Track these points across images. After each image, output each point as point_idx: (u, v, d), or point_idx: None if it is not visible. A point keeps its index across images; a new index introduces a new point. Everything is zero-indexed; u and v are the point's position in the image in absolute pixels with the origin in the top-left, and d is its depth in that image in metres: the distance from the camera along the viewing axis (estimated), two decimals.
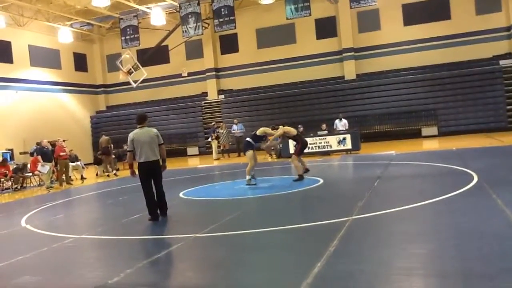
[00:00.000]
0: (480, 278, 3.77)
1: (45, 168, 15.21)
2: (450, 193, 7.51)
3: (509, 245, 4.58)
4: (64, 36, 26.73)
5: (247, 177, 11.04)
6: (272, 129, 11.71)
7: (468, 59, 23.91)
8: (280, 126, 11.82)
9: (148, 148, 7.53)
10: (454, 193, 7.51)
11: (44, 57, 27.31)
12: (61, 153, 15.98)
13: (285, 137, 11.91)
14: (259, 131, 11.47)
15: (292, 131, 11.53)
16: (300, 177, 11.06)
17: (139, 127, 7.74)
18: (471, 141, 18.00)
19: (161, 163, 7.81)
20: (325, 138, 18.48)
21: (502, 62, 23.27)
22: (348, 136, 18.22)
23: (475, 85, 23.05)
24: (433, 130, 23.44)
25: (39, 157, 15.48)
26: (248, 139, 11.47)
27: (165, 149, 7.97)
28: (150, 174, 7.62)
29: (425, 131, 23.56)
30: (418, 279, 3.96)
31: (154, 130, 7.79)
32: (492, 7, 23.73)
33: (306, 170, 11.52)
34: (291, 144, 18.66)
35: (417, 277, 4.01)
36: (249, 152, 11.13)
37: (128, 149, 7.78)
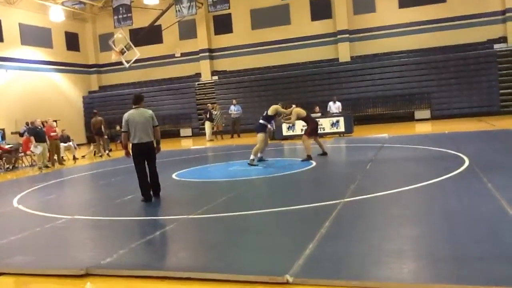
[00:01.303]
0: (470, 260, 3.81)
1: (38, 148, 15.11)
2: (441, 177, 7.56)
3: (499, 228, 4.63)
4: (56, 15, 26.31)
5: (251, 157, 11.10)
6: (283, 107, 11.65)
7: (463, 43, 23.91)
8: (293, 106, 11.84)
9: (142, 129, 7.48)
10: (446, 177, 7.56)
11: (35, 35, 26.91)
12: (52, 133, 15.86)
13: (300, 118, 11.92)
14: (270, 110, 11.42)
15: (302, 112, 11.61)
16: (309, 157, 11.23)
17: (135, 108, 7.66)
18: (463, 125, 18.10)
19: (155, 144, 7.78)
20: (319, 121, 18.44)
21: (496, 46, 23.28)
22: (341, 119, 18.24)
23: (469, 69, 23.08)
24: (426, 114, 23.53)
25: (32, 138, 15.36)
26: (261, 121, 11.45)
27: (159, 130, 7.93)
28: (144, 155, 7.59)
29: (418, 114, 23.64)
30: (408, 261, 4.00)
31: (150, 111, 7.71)
32: None
33: (324, 153, 11.69)
34: (284, 126, 18.71)
35: (408, 259, 4.05)
36: (261, 135, 11.27)
37: (122, 130, 7.72)
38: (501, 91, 22.65)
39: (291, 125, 16.21)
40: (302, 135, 18.31)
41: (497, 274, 3.50)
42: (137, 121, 7.49)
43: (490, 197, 5.92)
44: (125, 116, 7.61)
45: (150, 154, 7.65)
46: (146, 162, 7.65)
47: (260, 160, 11.53)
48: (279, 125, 18.01)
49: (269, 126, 12.05)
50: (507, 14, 23.20)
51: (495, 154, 9.89)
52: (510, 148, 10.78)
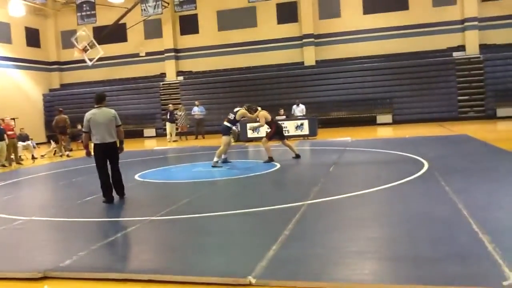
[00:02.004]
0: (428, 261, 3.92)
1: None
2: (402, 180, 7.75)
3: (456, 230, 4.78)
4: (15, 9, 25.46)
5: (215, 159, 11.14)
6: (248, 110, 11.70)
7: (424, 50, 24.64)
8: (259, 108, 11.88)
9: (104, 129, 7.33)
10: (406, 180, 7.76)
11: None
12: (9, 132, 15.33)
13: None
14: (237, 115, 11.46)
15: (268, 116, 11.66)
16: (270, 159, 11.35)
17: (97, 107, 7.49)
18: (423, 129, 18.61)
19: (118, 145, 7.65)
20: (283, 123, 18.57)
21: (455, 54, 24.11)
22: (305, 122, 18.42)
23: (430, 76, 23.78)
24: (388, 118, 24.07)
25: None
26: (226, 123, 11.44)
27: (123, 130, 7.80)
28: (106, 155, 7.45)
29: (380, 118, 24.16)
30: (369, 263, 4.08)
31: (112, 111, 7.55)
32: (447, 0, 24.44)
33: (297, 156, 11.86)
34: (249, 127, 18.72)
35: (368, 260, 4.13)
36: (226, 137, 11.30)
37: (84, 130, 7.55)
38: (459, 98, 23.44)
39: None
40: (263, 137, 18.47)
41: (453, 273, 3.62)
42: (99, 121, 7.34)
43: (448, 200, 6.11)
44: (87, 115, 7.44)
45: (112, 154, 7.52)
46: (108, 162, 7.52)
47: (224, 161, 11.56)
48: (244, 127, 18.04)
49: (233, 127, 12.09)
50: (466, 24, 24.06)
51: (454, 159, 10.21)
52: (467, 153, 11.15)
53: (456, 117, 22.96)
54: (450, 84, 23.68)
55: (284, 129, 18.42)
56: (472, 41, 23.99)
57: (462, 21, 24.22)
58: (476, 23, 23.90)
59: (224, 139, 11.31)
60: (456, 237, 4.57)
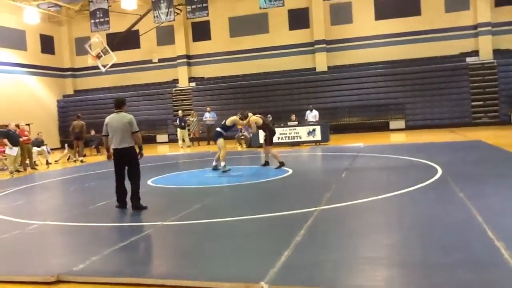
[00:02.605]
0: (441, 268, 3.88)
1: (13, 150, 14.70)
2: (415, 186, 7.69)
3: (469, 237, 4.73)
4: (30, 17, 25.86)
5: (222, 164, 11.23)
6: (241, 117, 11.75)
7: (436, 55, 24.48)
8: (250, 114, 11.90)
9: (119, 134, 7.30)
10: (419, 186, 7.70)
11: (8, 37, 26.38)
12: (23, 138, 15.52)
13: (255, 126, 11.98)
14: (228, 121, 11.59)
15: (259, 121, 11.64)
16: (281, 164, 11.35)
17: (116, 112, 7.46)
18: (436, 135, 18.46)
19: (137, 150, 7.50)
20: (295, 129, 18.59)
21: (468, 60, 23.91)
22: (317, 128, 18.37)
23: (442, 81, 23.61)
24: (401, 124, 23.93)
25: (6, 140, 14.96)
26: (218, 129, 11.63)
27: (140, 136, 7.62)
28: (122, 161, 7.41)
29: (393, 124, 24.02)
30: (381, 269, 4.05)
31: (129, 116, 7.44)
32: (460, 6, 24.29)
33: (266, 163, 11.76)
34: (261, 133, 18.76)
35: (381, 266, 4.10)
36: (221, 140, 11.34)
37: (103, 134, 7.58)
38: (473, 103, 23.23)
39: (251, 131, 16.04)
40: (276, 143, 18.45)
41: (467, 280, 3.58)
42: (114, 125, 7.33)
43: (462, 206, 6.05)
44: (106, 119, 7.47)
45: (127, 160, 7.41)
46: (126, 169, 7.47)
47: (215, 169, 11.56)
48: (256, 132, 18.06)
49: (245, 133, 12.14)
50: (479, 29, 23.87)
51: (467, 165, 10.12)
52: (481, 159, 11.03)
53: (470, 123, 22.75)
54: (463, 89, 23.49)
55: (296, 134, 18.58)
56: (485, 46, 23.79)
57: (475, 26, 24.03)
58: (489, 28, 23.70)
59: (218, 143, 11.39)
60: (471, 243, 4.52)
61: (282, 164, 11.34)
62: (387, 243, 4.80)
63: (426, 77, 23.85)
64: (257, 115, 12.02)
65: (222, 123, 11.73)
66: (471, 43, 24.25)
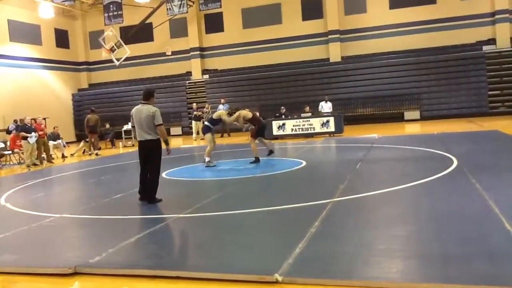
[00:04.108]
0: (457, 260, 3.85)
1: (32, 138, 14.86)
2: (430, 177, 7.62)
3: (486, 228, 4.68)
4: (45, 11, 26.06)
5: (206, 159, 11.27)
6: (230, 113, 11.85)
7: (452, 44, 24.10)
8: (239, 110, 11.93)
9: (141, 126, 7.26)
10: (434, 177, 7.62)
11: (24, 32, 26.64)
12: (39, 132, 15.70)
13: (245, 120, 11.93)
14: (215, 115, 11.82)
15: (248, 114, 11.61)
16: (256, 160, 11.27)
17: (142, 103, 7.43)
18: (452, 125, 18.25)
19: (159, 144, 7.37)
20: (309, 120, 18.54)
21: (485, 48, 23.51)
22: (331, 119, 18.29)
23: (458, 70, 23.27)
24: (416, 114, 23.67)
25: (22, 133, 15.13)
26: (206, 123, 11.79)
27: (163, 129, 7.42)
28: (144, 154, 7.37)
29: (408, 115, 23.78)
30: (397, 261, 4.02)
31: (154, 109, 7.35)
32: None
33: (271, 152, 11.78)
34: (275, 125, 18.76)
35: (397, 258, 4.08)
36: (208, 135, 11.50)
37: (131, 125, 7.60)
38: (490, 92, 22.87)
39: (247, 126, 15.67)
40: (290, 134, 18.43)
41: (483, 273, 3.54)
42: (138, 117, 7.29)
43: (478, 197, 5.98)
44: (132, 111, 7.50)
45: (148, 154, 7.31)
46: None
47: (207, 166, 11.35)
48: (269, 123, 18.04)
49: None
50: (496, 16, 23.43)
51: (484, 155, 9.98)
52: (498, 149, 10.88)
53: (487, 113, 22.42)
54: (480, 78, 23.12)
55: (309, 126, 18.51)
56: (503, 34, 23.34)
57: (493, 14, 23.58)
58: (507, 15, 23.23)
59: (206, 137, 11.56)
60: (487, 235, 4.47)
61: (257, 160, 11.25)
62: (403, 235, 4.77)
63: (442, 66, 23.51)
64: (246, 109, 12.01)
65: (209, 117, 11.96)
66: (488, 31, 23.82)
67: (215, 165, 11.26)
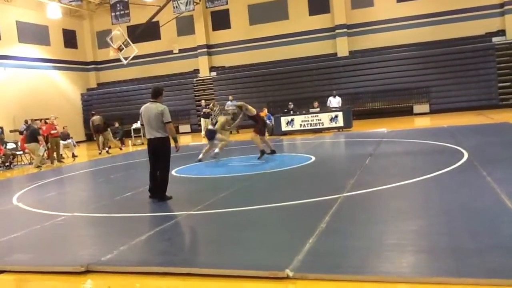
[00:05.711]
0: (469, 253, 3.82)
1: (40, 150, 15.02)
2: (441, 170, 7.57)
3: (498, 221, 4.64)
4: (53, 12, 26.24)
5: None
6: (232, 117, 12.52)
7: (461, 36, 23.87)
8: (240, 115, 12.05)
9: (150, 124, 7.27)
10: (445, 170, 7.58)
11: (32, 33, 26.84)
12: (52, 131, 15.83)
13: (247, 116, 11.92)
14: (218, 124, 12.27)
15: (252, 110, 11.62)
16: (262, 153, 11.36)
17: (151, 102, 7.44)
18: (462, 118, 18.10)
19: (168, 142, 7.37)
20: (317, 116, 18.50)
21: (494, 39, 23.26)
22: (340, 114, 18.24)
23: (467, 63, 23.06)
24: (425, 108, 23.52)
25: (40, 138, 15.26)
26: (210, 127, 12.43)
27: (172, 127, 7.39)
28: (152, 151, 7.41)
29: (417, 108, 23.64)
30: (408, 255, 4.01)
31: (162, 107, 7.36)
32: None
33: (273, 152, 11.66)
34: (284, 121, 18.74)
35: (408, 253, 4.06)
36: (218, 135, 11.98)
37: (140, 123, 7.64)
38: (500, 84, 22.65)
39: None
40: (299, 130, 18.42)
41: (495, 266, 3.51)
42: (146, 115, 7.32)
43: (490, 190, 5.93)
44: (140, 109, 7.52)
45: (156, 152, 7.34)
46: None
47: (214, 157, 11.93)
48: (278, 119, 18.04)
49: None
50: (506, 7, 23.16)
51: (494, 148, 9.90)
52: (509, 142, 10.78)
53: (497, 105, 22.20)
54: (489, 70, 22.90)
55: (318, 121, 18.46)
56: None
57: (502, 5, 23.32)
58: None
59: (217, 137, 11.97)
60: (499, 228, 4.43)
61: (263, 153, 11.36)
62: (413, 229, 4.74)
63: (451, 59, 23.31)
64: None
65: (214, 121, 12.64)
66: (497, 22, 23.56)
67: (220, 160, 11.52)
